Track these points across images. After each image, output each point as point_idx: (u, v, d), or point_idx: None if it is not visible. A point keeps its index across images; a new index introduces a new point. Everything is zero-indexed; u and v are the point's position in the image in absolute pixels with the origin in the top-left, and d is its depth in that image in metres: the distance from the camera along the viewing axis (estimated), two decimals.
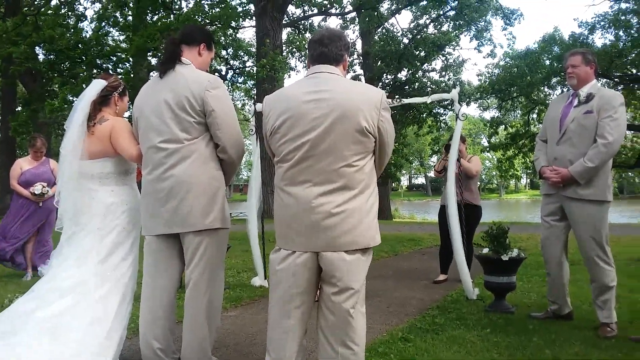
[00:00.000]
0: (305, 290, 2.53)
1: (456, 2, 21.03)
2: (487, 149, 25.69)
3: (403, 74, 22.95)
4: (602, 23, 18.14)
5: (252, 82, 20.43)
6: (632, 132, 20.82)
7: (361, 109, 2.47)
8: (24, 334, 2.76)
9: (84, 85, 15.93)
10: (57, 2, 19.64)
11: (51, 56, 17.02)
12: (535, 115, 23.37)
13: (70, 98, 16.01)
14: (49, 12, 18.95)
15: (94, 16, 18.61)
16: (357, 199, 2.48)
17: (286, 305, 2.53)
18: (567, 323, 4.27)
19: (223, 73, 22.56)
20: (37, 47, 17.20)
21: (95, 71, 16.73)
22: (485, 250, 4.84)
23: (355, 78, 22.52)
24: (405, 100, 5.92)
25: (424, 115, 23.00)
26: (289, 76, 19.92)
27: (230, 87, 22.32)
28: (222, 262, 3.04)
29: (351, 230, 2.46)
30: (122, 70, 16.68)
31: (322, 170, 2.46)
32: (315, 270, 2.53)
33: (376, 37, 23.23)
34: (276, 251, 2.62)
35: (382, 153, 2.63)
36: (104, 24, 17.64)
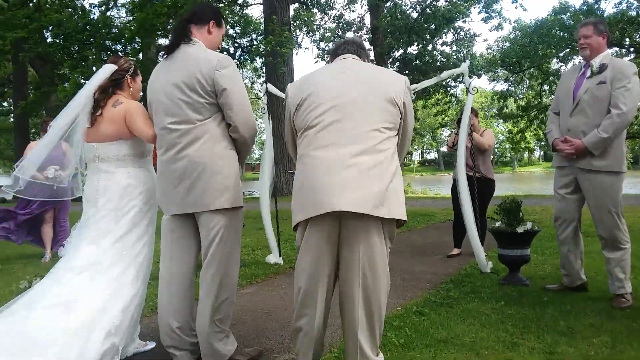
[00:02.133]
0: (329, 262, 2.51)
1: None
2: (498, 119, 25.47)
3: (413, 49, 22.66)
4: None
5: (261, 60, 20.31)
6: None
7: (389, 82, 2.57)
8: (38, 308, 2.82)
9: (94, 68, 15.98)
10: None
11: (59, 40, 17.00)
12: (547, 87, 23.09)
13: (83, 81, 16.06)
14: None
15: None
16: (387, 164, 2.45)
17: (311, 277, 2.52)
18: (581, 294, 4.29)
19: (231, 52, 22.47)
20: (45, 31, 17.19)
21: (104, 53, 16.71)
22: (499, 224, 4.84)
23: None
24: (418, 86, 5.83)
25: (432, 89, 22.69)
26: (297, 53, 19.77)
27: (239, 66, 22.23)
28: (238, 241, 3.07)
29: (380, 192, 2.39)
30: (129, 51, 16.63)
31: (350, 132, 2.45)
32: (337, 242, 2.49)
33: (385, 12, 22.90)
34: (301, 225, 2.55)
35: (405, 131, 2.66)
36: (110, 4, 17.58)
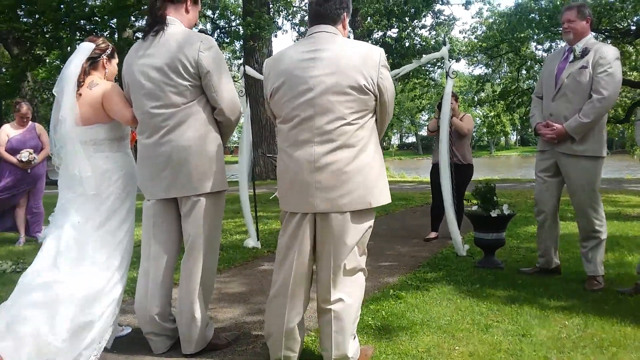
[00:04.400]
0: (308, 250, 2.59)
1: None
2: (475, 104, 25.62)
3: (393, 32, 22.60)
4: None
5: (239, 42, 20.09)
6: (622, 86, 20.78)
7: (359, 67, 2.49)
8: (20, 299, 2.78)
9: (69, 49, 15.64)
10: None
11: (32, 19, 16.59)
12: (524, 72, 23.24)
13: (58, 63, 15.73)
14: None
15: None
16: (362, 156, 2.51)
17: (289, 265, 2.61)
18: (555, 277, 4.37)
19: (209, 33, 22.13)
20: (17, 10, 16.76)
21: (79, 33, 16.36)
22: (475, 208, 4.89)
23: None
24: (399, 71, 5.82)
25: (411, 74, 22.70)
26: (276, 36, 19.58)
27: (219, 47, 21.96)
28: (219, 225, 3.06)
29: (355, 189, 2.50)
30: (106, 32, 16.32)
31: (322, 129, 2.48)
32: (317, 233, 2.58)
33: None
34: (283, 214, 2.68)
35: (382, 111, 2.66)
36: None
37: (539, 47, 21.66)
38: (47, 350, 2.62)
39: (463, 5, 21.64)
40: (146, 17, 3.07)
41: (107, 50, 3.22)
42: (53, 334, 2.65)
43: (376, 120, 2.66)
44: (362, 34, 20.93)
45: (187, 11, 3.00)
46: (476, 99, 25.09)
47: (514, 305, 3.65)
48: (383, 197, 2.61)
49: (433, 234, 6.39)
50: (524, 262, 4.96)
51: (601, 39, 18.12)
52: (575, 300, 3.75)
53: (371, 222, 2.66)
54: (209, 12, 23.82)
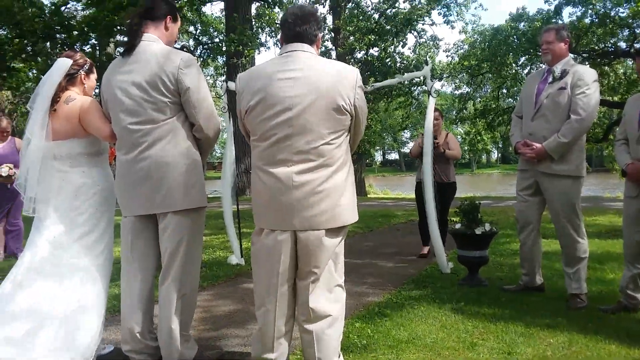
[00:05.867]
0: (288, 268, 2.58)
1: None
2: (456, 121, 25.97)
3: (375, 50, 22.82)
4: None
5: (222, 58, 20.12)
6: (600, 107, 21.23)
7: (337, 87, 2.49)
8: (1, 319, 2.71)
9: (48, 61, 15.45)
10: None
11: (7, 31, 16.38)
12: (505, 91, 23.62)
13: (31, 75, 15.54)
14: None
15: None
16: (336, 176, 2.53)
17: (270, 284, 2.60)
18: (538, 295, 4.38)
19: (192, 49, 22.12)
20: None
21: (58, 47, 16.20)
22: (458, 225, 4.91)
23: (326, 53, 22.32)
24: (378, 85, 5.87)
25: (395, 92, 22.92)
26: (259, 52, 19.67)
27: (201, 64, 21.97)
28: (200, 242, 3.03)
29: (330, 208, 2.51)
30: (88, 48, 16.20)
31: (300, 148, 2.47)
32: (295, 249, 2.57)
33: (347, 12, 22.99)
34: (257, 232, 2.67)
35: (356, 130, 2.68)
36: None
37: (519, 69, 22.06)
38: None
39: (446, 23, 22.00)
40: (125, 33, 3.05)
41: (85, 66, 3.18)
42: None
43: (349, 138, 2.67)
44: (344, 52, 21.10)
45: (166, 28, 3.00)
46: (457, 116, 25.46)
47: (499, 323, 3.65)
48: (355, 215, 2.66)
49: (426, 249, 6.35)
50: (508, 279, 4.98)
51: (579, 60, 18.50)
52: (559, 318, 3.76)
53: (343, 237, 2.67)
54: (191, 28, 23.84)
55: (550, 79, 4.16)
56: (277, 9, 23.59)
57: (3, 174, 6.21)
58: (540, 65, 18.74)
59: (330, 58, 22.89)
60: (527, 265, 4.45)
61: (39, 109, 2.96)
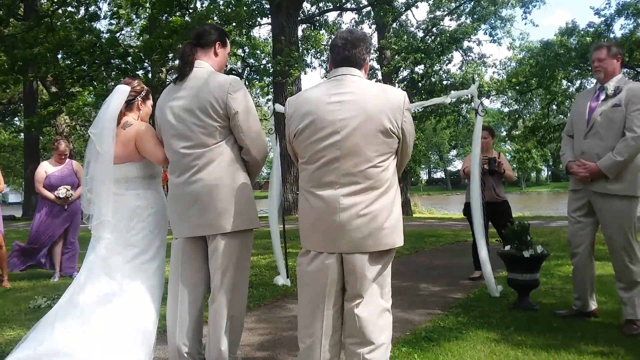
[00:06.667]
0: (334, 291, 2.58)
1: None
2: (506, 139, 25.50)
3: (420, 68, 22.78)
4: (622, 11, 17.73)
5: (269, 79, 20.51)
6: None
7: (385, 110, 2.51)
8: (54, 336, 2.82)
9: (103, 87, 16.15)
10: (74, 2, 19.77)
11: (69, 60, 17.24)
12: (555, 107, 23.09)
13: (89, 99, 16.25)
14: (62, 10, 19.17)
15: (108, 13, 18.82)
16: (382, 199, 2.53)
17: (316, 307, 2.60)
18: (592, 320, 4.24)
19: (240, 71, 22.64)
20: (55, 50, 17.44)
21: (114, 73, 16.91)
22: (508, 247, 4.81)
23: (371, 72, 22.39)
24: (425, 103, 5.87)
25: (442, 110, 22.74)
26: (305, 72, 19.92)
27: (247, 85, 22.43)
28: (248, 263, 3.08)
29: (377, 231, 2.51)
30: (141, 72, 16.84)
31: (348, 171, 2.50)
32: (342, 272, 2.57)
33: (391, 32, 23.06)
34: (303, 253, 2.67)
35: (403, 153, 2.68)
36: (122, 22, 17.82)
37: (569, 84, 21.57)
38: None
39: (493, 41, 21.75)
40: (177, 60, 3.18)
41: (142, 92, 3.34)
42: None
43: (396, 160, 2.68)
44: (389, 71, 21.13)
45: (216, 54, 3.11)
46: (505, 134, 25.03)
47: (551, 351, 3.55)
48: (401, 239, 2.64)
49: (477, 273, 6.21)
50: (560, 303, 4.83)
51: (632, 74, 17.95)
52: (614, 345, 3.62)
53: (390, 261, 2.66)
54: (239, 51, 24.42)
55: (602, 97, 4.08)
56: (322, 31, 23.98)
57: (61, 195, 6.49)
58: (591, 81, 18.28)
59: (375, 77, 23.12)
60: (580, 289, 4.31)
61: (107, 131, 3.09)
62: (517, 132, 24.73)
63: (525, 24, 41.42)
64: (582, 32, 18.89)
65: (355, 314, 2.55)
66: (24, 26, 17.92)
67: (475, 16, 21.81)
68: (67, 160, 6.82)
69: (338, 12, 24.81)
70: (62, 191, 6.49)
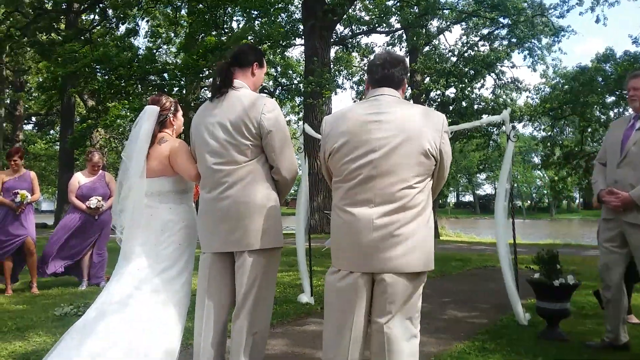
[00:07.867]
0: (362, 312, 2.55)
1: (507, 19, 20.63)
2: (539, 166, 25.07)
3: (451, 91, 22.71)
4: None
5: (300, 99, 20.72)
6: None
7: (425, 131, 2.51)
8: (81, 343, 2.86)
9: (139, 101, 16.54)
10: (113, 19, 20.39)
11: (107, 75, 17.73)
12: (590, 133, 22.70)
13: (123, 112, 16.66)
14: (101, 26, 19.79)
15: (147, 31, 19.39)
16: (416, 221, 2.51)
17: (343, 327, 2.56)
18: (623, 353, 4.11)
19: (272, 90, 22.92)
20: (94, 65, 17.96)
21: (150, 88, 17.31)
22: (537, 275, 4.71)
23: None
24: (456, 127, 5.82)
25: (470, 133, 22.50)
26: (336, 93, 20.08)
27: (278, 104, 22.70)
28: (273, 280, 3.10)
29: (409, 252, 2.48)
30: (176, 89, 17.22)
31: (383, 190, 2.49)
32: (371, 292, 2.55)
33: (423, 55, 23.07)
34: (333, 272, 2.65)
35: (440, 175, 2.66)
36: (159, 40, 18.29)
37: (603, 111, 21.18)
38: None
39: (529, 67, 21.55)
40: (214, 78, 3.25)
41: (171, 108, 3.41)
42: None
43: (432, 183, 2.65)
44: (420, 93, 21.09)
45: (253, 74, 3.17)
46: (538, 160, 24.61)
47: None
48: (431, 262, 2.59)
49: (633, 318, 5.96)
50: (590, 334, 4.69)
51: None
52: None
53: (421, 285, 2.61)
54: (272, 70, 24.75)
55: (638, 125, 4.01)
56: (355, 53, 24.15)
57: (92, 206, 6.62)
58: (627, 110, 17.95)
59: (405, 98, 22.88)
60: (611, 321, 4.19)
61: (138, 151, 3.17)
62: (554, 159, 24.31)
63: (555, 51, 40.98)
64: (618, 60, 18.62)
65: (385, 332, 2.49)
66: (64, 40, 18.51)
67: (513, 40, 21.58)
68: (100, 171, 6.98)
69: (370, 34, 25.00)
70: (93, 202, 6.63)
